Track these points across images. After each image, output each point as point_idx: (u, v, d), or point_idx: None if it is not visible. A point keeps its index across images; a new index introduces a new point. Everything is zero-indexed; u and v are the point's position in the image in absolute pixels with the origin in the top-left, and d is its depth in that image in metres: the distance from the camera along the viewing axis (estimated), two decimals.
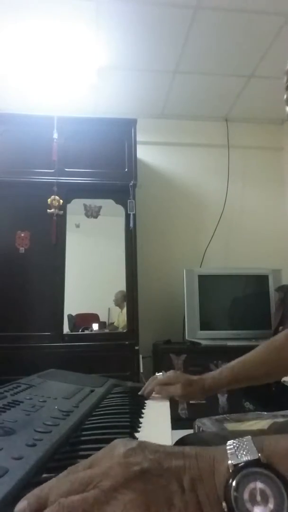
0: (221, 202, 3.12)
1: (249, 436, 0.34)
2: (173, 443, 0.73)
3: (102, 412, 0.79)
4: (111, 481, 0.31)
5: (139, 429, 0.70)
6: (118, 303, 2.71)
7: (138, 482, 0.31)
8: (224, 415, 1.35)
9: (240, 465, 0.31)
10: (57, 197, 2.51)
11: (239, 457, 0.32)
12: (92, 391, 0.94)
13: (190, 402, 2.32)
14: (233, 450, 0.33)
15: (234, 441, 0.34)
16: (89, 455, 0.38)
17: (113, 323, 2.77)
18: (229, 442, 0.34)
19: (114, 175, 2.61)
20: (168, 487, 0.31)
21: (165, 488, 0.31)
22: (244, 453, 0.32)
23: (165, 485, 0.31)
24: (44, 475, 0.45)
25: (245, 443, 0.33)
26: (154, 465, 0.32)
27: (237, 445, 0.33)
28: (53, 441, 0.54)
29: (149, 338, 2.73)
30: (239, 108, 3.05)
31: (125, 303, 2.61)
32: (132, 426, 0.69)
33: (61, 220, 2.52)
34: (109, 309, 2.78)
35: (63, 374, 1.19)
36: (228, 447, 0.33)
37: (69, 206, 2.56)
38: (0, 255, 2.46)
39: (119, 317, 2.72)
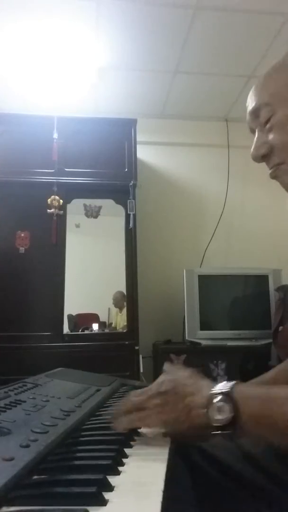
0: (221, 202, 3.12)
1: (233, 382, 0.56)
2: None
3: (104, 412, 0.78)
4: (151, 392, 0.61)
5: (139, 430, 0.70)
6: (118, 305, 2.70)
7: (162, 395, 0.59)
8: None
9: (215, 392, 0.56)
10: (57, 197, 2.50)
11: (219, 389, 0.56)
12: (98, 390, 0.94)
13: None
14: (219, 386, 0.57)
15: (221, 384, 0.57)
16: (85, 457, 0.43)
17: (111, 323, 2.76)
18: (220, 384, 0.57)
19: (114, 175, 2.61)
20: (177, 399, 0.58)
21: (175, 400, 0.58)
22: (224, 387, 0.56)
23: (175, 399, 0.58)
24: (35, 477, 0.45)
25: (229, 384, 0.56)
26: (172, 389, 0.59)
27: (223, 385, 0.57)
28: (48, 442, 0.53)
29: (149, 338, 2.72)
30: (239, 108, 3.04)
31: (124, 303, 2.61)
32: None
33: (61, 220, 2.52)
34: (109, 309, 2.78)
35: (71, 373, 1.19)
36: (215, 385, 0.58)
37: (69, 206, 2.56)
38: (0, 255, 2.46)
39: (118, 318, 2.72)
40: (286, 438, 0.54)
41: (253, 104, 0.75)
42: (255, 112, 0.75)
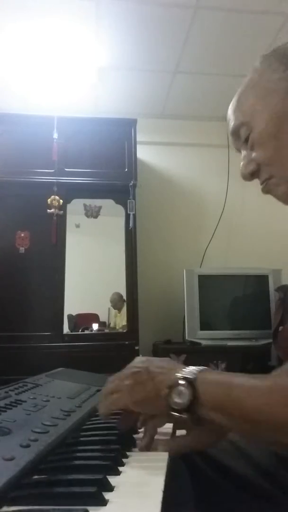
0: (221, 202, 3.12)
1: (201, 368, 0.57)
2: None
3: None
4: (124, 374, 0.62)
5: (140, 430, 0.70)
6: (116, 306, 2.71)
7: (134, 375, 0.60)
8: None
9: (180, 377, 0.56)
10: (57, 197, 2.50)
11: (184, 374, 0.56)
12: (98, 390, 0.93)
13: None
14: (186, 371, 0.57)
15: (190, 368, 0.58)
16: (85, 457, 0.43)
17: (110, 324, 2.76)
18: (188, 369, 0.58)
19: (114, 175, 2.61)
20: (147, 379, 0.59)
21: (145, 380, 0.59)
22: (189, 373, 0.56)
23: (145, 379, 0.59)
24: (35, 477, 0.45)
25: (195, 370, 0.57)
26: (144, 369, 0.60)
27: (190, 370, 0.57)
28: (48, 442, 0.53)
29: (149, 338, 2.72)
30: None
31: (123, 304, 2.61)
32: (132, 427, 0.69)
33: (61, 220, 2.52)
34: (109, 309, 2.78)
35: (72, 373, 1.19)
36: (184, 369, 0.58)
37: (69, 206, 2.56)
38: (0, 255, 2.46)
39: (117, 319, 2.72)
40: (242, 427, 0.54)
41: (231, 126, 0.76)
42: (235, 133, 0.76)
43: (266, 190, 0.75)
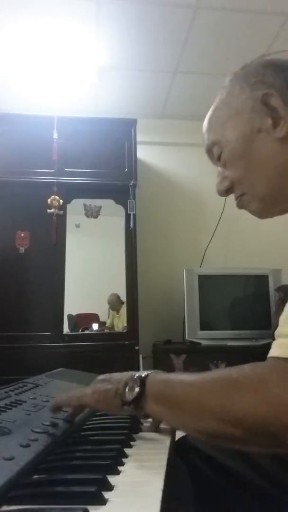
0: (221, 202, 3.11)
1: (155, 370, 0.64)
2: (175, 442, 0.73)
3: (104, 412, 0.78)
4: (92, 383, 0.70)
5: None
6: (115, 308, 2.71)
7: (98, 383, 0.68)
8: None
9: (134, 376, 0.63)
10: (57, 197, 2.50)
11: (138, 374, 0.62)
12: None
13: None
14: (141, 372, 0.63)
15: (146, 371, 0.64)
16: (85, 457, 0.44)
17: (107, 324, 2.76)
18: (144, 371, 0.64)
19: (114, 175, 2.61)
20: (110, 386, 0.65)
21: (107, 383, 0.66)
22: (142, 373, 0.62)
23: (108, 383, 0.66)
24: (35, 476, 0.45)
25: (149, 371, 0.63)
26: (107, 378, 0.68)
27: (145, 371, 0.63)
28: (48, 442, 0.53)
29: (149, 338, 2.72)
30: None
31: (121, 305, 2.60)
32: (131, 427, 0.69)
33: (61, 220, 2.52)
34: (109, 309, 2.78)
35: (72, 373, 1.19)
36: (138, 373, 0.63)
37: (69, 206, 2.56)
38: (0, 255, 2.46)
39: (116, 320, 2.72)
40: (177, 419, 0.58)
41: (205, 145, 0.78)
42: (209, 152, 0.78)
43: (240, 206, 0.78)
